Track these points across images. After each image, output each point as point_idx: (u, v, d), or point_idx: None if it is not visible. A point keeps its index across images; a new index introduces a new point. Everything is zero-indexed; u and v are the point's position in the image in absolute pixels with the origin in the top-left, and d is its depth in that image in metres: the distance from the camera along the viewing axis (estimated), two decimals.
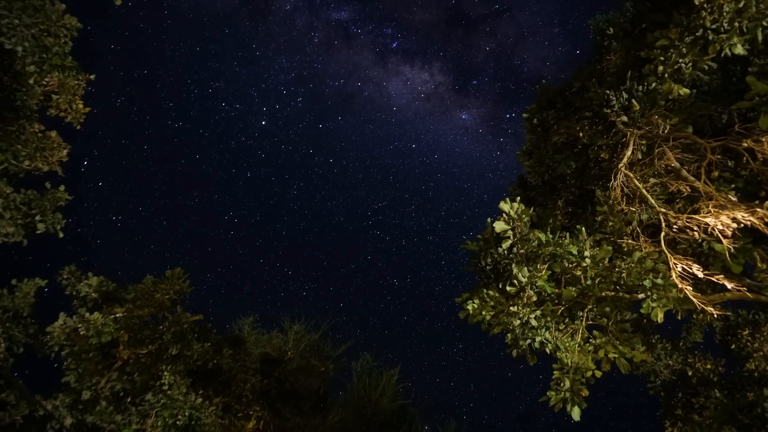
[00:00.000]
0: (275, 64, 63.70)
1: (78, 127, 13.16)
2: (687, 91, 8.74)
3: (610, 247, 8.24)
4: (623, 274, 7.96)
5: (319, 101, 66.19)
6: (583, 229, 8.36)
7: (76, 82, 12.43)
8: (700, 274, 8.01)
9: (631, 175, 9.16)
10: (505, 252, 8.37)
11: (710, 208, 8.17)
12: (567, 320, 8.60)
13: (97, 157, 57.11)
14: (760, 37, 7.92)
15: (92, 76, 12.91)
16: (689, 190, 9.17)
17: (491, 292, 8.27)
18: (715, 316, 9.76)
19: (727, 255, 8.26)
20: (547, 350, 7.95)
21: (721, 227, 7.90)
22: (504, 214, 8.34)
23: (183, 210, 61.08)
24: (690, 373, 15.33)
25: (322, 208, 65.97)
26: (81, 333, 11.69)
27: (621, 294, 8.23)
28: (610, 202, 9.26)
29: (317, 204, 65.95)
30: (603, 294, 8.18)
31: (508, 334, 8.11)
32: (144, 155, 59.52)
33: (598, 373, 7.91)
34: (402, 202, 66.92)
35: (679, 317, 9.03)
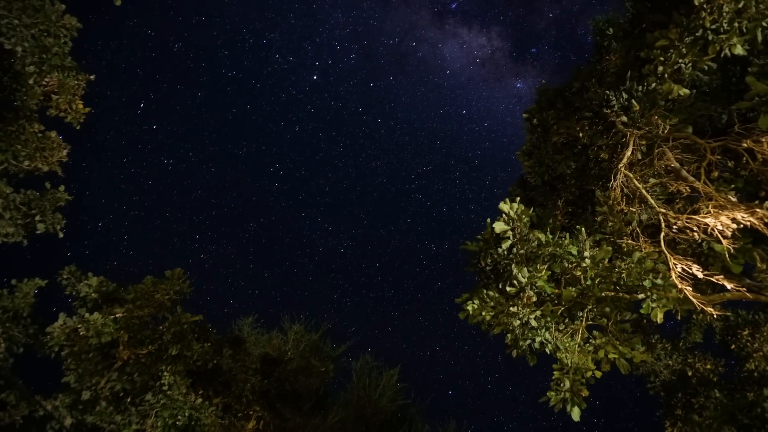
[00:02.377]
0: (331, 18, 63.29)
1: (78, 128, 13.16)
2: (687, 91, 8.74)
3: (610, 248, 8.24)
4: (623, 275, 7.96)
5: (372, 59, 65.55)
6: (583, 229, 8.36)
7: (76, 82, 12.43)
8: (700, 275, 8.02)
9: (631, 175, 9.16)
10: (505, 252, 8.37)
11: (710, 208, 8.17)
12: (567, 320, 8.59)
13: (153, 100, 58.14)
14: (759, 38, 7.92)
15: (92, 77, 12.93)
16: (689, 190, 9.18)
17: (491, 293, 8.27)
18: (715, 316, 9.77)
19: (727, 255, 8.26)
20: (547, 350, 7.95)
21: (720, 227, 7.90)
22: (504, 215, 8.34)
23: (231, 159, 61.99)
24: (690, 373, 15.33)
25: (366, 167, 65.90)
26: (81, 333, 11.69)
27: (621, 294, 8.23)
28: (610, 202, 9.26)
29: (362, 163, 65.94)
30: (603, 294, 8.18)
31: (508, 335, 8.10)
32: (197, 102, 60.25)
33: (598, 374, 7.91)
34: (447, 168, 66.23)
35: (679, 317, 9.03)
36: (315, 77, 63.79)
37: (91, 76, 12.92)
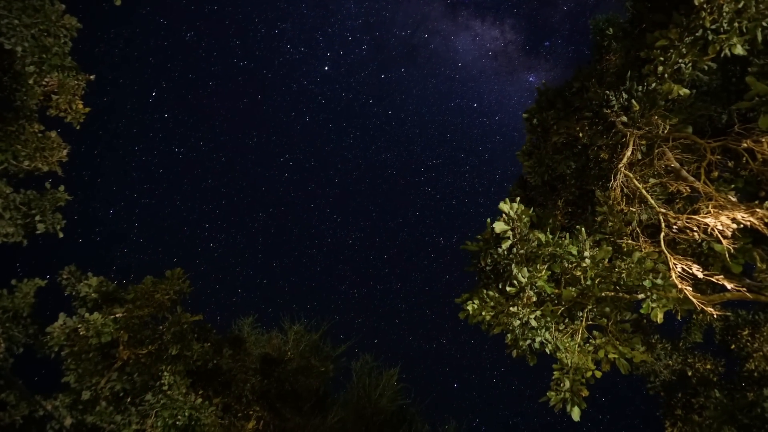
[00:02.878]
0: (343, 9, 63.19)
1: (77, 127, 13.15)
2: (687, 91, 8.74)
3: (610, 248, 8.24)
4: (623, 275, 7.96)
5: (383, 50, 65.40)
6: (583, 229, 8.37)
7: (76, 82, 12.42)
8: (700, 275, 8.01)
9: (631, 175, 9.16)
10: (505, 252, 8.37)
11: (710, 208, 8.17)
12: (567, 320, 8.59)
13: (165, 89, 58.65)
14: (759, 38, 7.92)
15: (92, 77, 12.92)
16: (689, 190, 9.18)
17: (491, 293, 8.27)
18: (715, 316, 9.76)
19: (727, 255, 8.26)
20: (547, 350, 7.95)
21: (720, 227, 7.90)
22: (504, 215, 8.34)
23: (241, 148, 62.39)
24: (690, 373, 15.33)
25: (376, 159, 65.82)
26: (81, 333, 11.69)
27: (621, 294, 8.23)
28: (610, 202, 9.26)
29: (371, 155, 65.96)
30: (603, 294, 8.18)
31: (508, 335, 8.10)
32: (209, 91, 60.60)
33: (598, 374, 7.91)
34: (457, 162, 65.90)
35: (679, 317, 9.03)
36: (326, 68, 63.82)
37: (91, 76, 12.91)
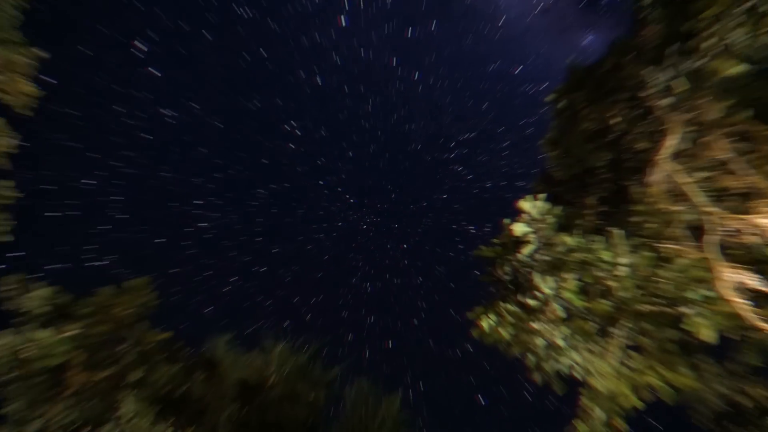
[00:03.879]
0: None
1: (30, 114, 13.02)
2: (741, 68, 8.62)
3: (652, 254, 8.17)
4: (666, 285, 7.88)
5: (411, 2, 62.18)
6: (618, 231, 8.24)
7: (25, 60, 12.30)
8: (758, 286, 7.92)
9: (674, 168, 9.09)
10: (526, 259, 8.29)
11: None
12: (599, 339, 8.50)
13: (159, 42, 56.48)
14: None
15: (47, 55, 12.79)
16: (742, 186, 9.09)
17: (510, 306, 8.28)
18: None
19: None
20: (577, 375, 7.85)
21: None
22: (525, 215, 8.28)
23: (241, 113, 60.33)
24: (742, 401, 15.22)
25: (398, 131, 63.55)
26: (26, 356, 11.56)
27: (663, 308, 8.14)
28: (649, 200, 9.19)
29: (393, 125, 63.62)
30: (641, 308, 8.10)
31: (530, 356, 8.05)
32: (205, 44, 58.40)
33: (639, 403, 7.80)
34: (494, 137, 63.01)
35: (731, 336, 8.93)
36: (343, 22, 61.47)
37: (45, 54, 12.78)
